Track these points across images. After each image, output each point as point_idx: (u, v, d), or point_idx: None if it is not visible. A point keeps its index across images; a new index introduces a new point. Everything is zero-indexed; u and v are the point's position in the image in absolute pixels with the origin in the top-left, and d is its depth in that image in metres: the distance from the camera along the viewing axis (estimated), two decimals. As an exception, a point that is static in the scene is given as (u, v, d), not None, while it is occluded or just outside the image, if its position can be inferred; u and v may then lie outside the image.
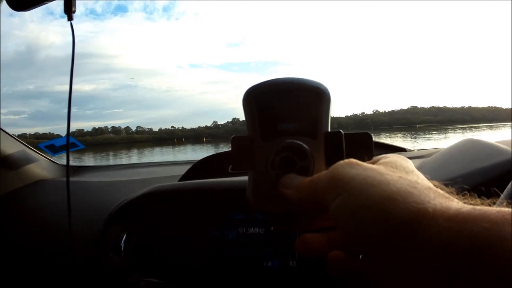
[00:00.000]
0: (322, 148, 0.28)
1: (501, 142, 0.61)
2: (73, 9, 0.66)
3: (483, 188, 0.21)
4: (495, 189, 0.22)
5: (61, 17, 0.67)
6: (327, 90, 0.29)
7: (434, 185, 0.21)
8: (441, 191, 0.20)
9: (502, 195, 0.35)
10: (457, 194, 0.20)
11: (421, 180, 0.21)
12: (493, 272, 0.14)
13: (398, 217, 0.18)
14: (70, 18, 0.66)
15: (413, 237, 0.17)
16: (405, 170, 0.23)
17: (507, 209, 0.16)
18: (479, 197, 0.20)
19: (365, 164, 0.22)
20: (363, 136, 0.29)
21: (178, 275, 0.71)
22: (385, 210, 0.18)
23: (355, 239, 0.20)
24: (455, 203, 0.18)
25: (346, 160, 0.23)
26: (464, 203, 0.19)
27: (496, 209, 0.16)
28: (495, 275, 0.14)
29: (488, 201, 0.19)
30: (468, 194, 0.20)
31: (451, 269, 0.15)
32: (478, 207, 0.17)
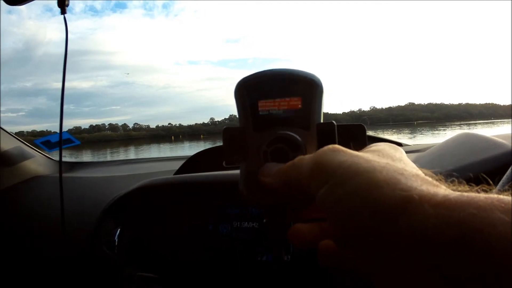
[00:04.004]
0: (315, 139, 0.28)
1: (498, 136, 0.61)
2: (66, 2, 0.65)
3: (471, 175, 0.21)
4: (483, 174, 0.21)
5: (60, 14, 0.66)
6: (320, 81, 0.28)
7: (424, 173, 0.20)
8: (429, 178, 0.19)
9: (499, 184, 0.34)
10: (446, 181, 0.20)
11: (409, 168, 0.21)
12: (481, 259, 0.14)
13: (384, 205, 0.17)
14: (63, 12, 0.65)
15: (400, 225, 0.17)
16: (392, 157, 0.22)
17: (495, 195, 0.16)
18: (468, 184, 0.20)
19: (350, 150, 0.22)
20: (356, 128, 0.29)
21: (172, 269, 0.71)
22: (371, 198, 0.18)
23: (343, 228, 0.19)
24: (443, 190, 0.18)
25: (330, 146, 0.22)
26: (453, 190, 0.18)
27: (485, 195, 0.16)
28: (483, 262, 0.14)
29: (477, 187, 0.19)
30: (456, 181, 0.20)
31: (439, 256, 0.15)
32: (466, 194, 0.17)
